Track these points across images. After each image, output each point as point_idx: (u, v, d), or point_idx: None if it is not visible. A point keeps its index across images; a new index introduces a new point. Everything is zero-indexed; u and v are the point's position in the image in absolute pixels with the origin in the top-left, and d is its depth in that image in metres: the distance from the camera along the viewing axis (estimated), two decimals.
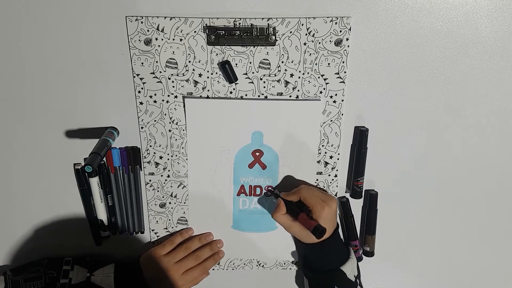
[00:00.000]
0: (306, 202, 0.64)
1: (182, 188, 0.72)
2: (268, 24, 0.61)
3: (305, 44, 0.63)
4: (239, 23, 0.61)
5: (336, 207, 0.65)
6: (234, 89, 0.65)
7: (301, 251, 0.74)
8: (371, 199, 0.72)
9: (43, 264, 0.70)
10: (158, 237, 0.75)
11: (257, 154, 0.69)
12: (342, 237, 0.72)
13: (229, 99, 0.66)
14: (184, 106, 0.66)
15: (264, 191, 0.71)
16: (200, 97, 0.66)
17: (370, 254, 0.75)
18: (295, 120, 0.67)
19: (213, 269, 0.76)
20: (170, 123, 0.67)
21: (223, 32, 0.62)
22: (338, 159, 0.70)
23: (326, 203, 0.64)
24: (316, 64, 0.64)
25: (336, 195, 0.73)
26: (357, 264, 0.70)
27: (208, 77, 0.65)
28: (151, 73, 0.64)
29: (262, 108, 0.66)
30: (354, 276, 0.67)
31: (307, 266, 0.70)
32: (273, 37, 0.62)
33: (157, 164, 0.70)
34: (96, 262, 0.71)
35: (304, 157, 0.69)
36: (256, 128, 0.67)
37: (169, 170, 0.70)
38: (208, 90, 0.65)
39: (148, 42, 0.62)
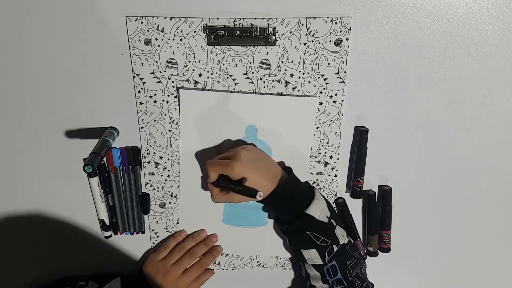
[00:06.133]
0: (221, 173, 0.60)
1: None
2: (268, 24, 0.61)
3: (305, 44, 0.63)
4: (239, 23, 0.61)
5: (245, 155, 0.60)
6: (234, 89, 0.65)
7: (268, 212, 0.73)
8: (385, 195, 0.72)
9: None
10: (159, 237, 0.75)
11: None
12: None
13: (224, 91, 0.65)
14: (178, 97, 0.66)
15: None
16: (196, 88, 0.66)
17: (374, 254, 0.76)
18: (290, 116, 0.66)
19: (212, 269, 0.77)
20: (170, 123, 0.67)
21: (223, 32, 0.62)
22: (338, 159, 0.70)
23: (233, 159, 0.60)
24: (316, 64, 0.64)
25: (336, 195, 0.73)
26: (328, 204, 0.66)
27: (208, 77, 0.65)
28: (151, 73, 0.64)
29: (257, 103, 0.66)
30: (327, 217, 0.64)
31: (277, 220, 0.69)
32: (273, 37, 0.62)
33: (157, 164, 0.70)
34: (103, 279, 0.72)
35: (297, 153, 0.69)
36: (250, 123, 0.67)
37: (169, 170, 0.70)
38: (208, 90, 0.65)
39: (148, 42, 0.62)
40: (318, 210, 0.63)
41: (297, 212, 0.63)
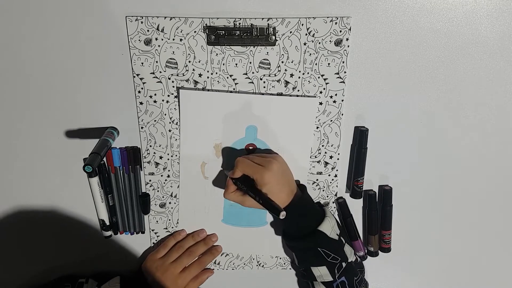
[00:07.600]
0: (248, 174, 0.61)
1: None
2: (268, 24, 0.61)
3: (305, 44, 0.63)
4: (239, 23, 0.61)
5: (277, 167, 0.61)
6: (234, 89, 0.65)
7: (278, 224, 0.73)
8: (385, 195, 0.72)
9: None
10: (159, 237, 0.75)
11: (251, 148, 0.69)
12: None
13: (224, 92, 0.65)
14: (178, 97, 0.66)
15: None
16: (196, 88, 0.66)
17: (374, 254, 0.75)
18: (290, 116, 0.66)
19: (212, 269, 0.77)
20: (170, 123, 0.67)
21: (223, 32, 0.62)
22: (338, 159, 0.70)
23: (265, 167, 0.60)
24: (316, 64, 0.64)
25: (336, 195, 0.73)
26: (338, 222, 0.68)
27: (208, 77, 0.65)
28: (151, 73, 0.64)
29: (258, 103, 0.66)
30: (337, 234, 0.65)
31: (287, 236, 0.69)
32: (273, 37, 0.62)
33: (157, 164, 0.70)
34: (103, 277, 0.72)
35: (297, 153, 0.69)
36: (250, 123, 0.67)
37: (169, 170, 0.70)
38: (208, 90, 0.65)
39: (148, 42, 0.62)
40: (329, 227, 0.64)
41: (309, 228, 0.64)
